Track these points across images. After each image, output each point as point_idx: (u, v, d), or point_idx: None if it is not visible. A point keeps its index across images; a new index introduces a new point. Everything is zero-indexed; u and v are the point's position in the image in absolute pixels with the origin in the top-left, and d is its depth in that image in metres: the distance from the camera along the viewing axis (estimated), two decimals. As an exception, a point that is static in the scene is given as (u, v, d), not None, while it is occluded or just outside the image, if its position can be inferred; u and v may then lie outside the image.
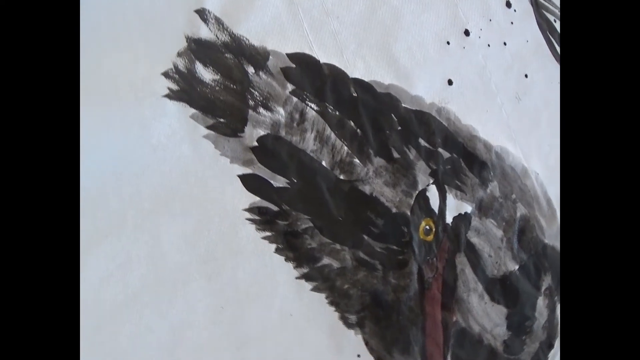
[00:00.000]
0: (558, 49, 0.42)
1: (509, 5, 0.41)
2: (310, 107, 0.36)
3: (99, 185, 0.33)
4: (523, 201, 0.40)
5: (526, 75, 0.41)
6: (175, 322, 0.34)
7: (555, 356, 0.42)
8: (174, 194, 0.34)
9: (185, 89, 0.35)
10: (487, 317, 0.40)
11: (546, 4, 0.42)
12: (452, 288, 0.39)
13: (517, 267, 0.40)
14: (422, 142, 0.38)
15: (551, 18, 0.42)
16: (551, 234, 0.41)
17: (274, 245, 0.36)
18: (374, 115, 0.37)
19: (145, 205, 0.33)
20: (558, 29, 0.42)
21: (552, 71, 0.42)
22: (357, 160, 0.37)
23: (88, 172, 0.33)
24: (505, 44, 0.41)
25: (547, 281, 0.41)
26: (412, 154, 0.38)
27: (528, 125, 0.41)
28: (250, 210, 0.36)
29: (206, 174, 0.35)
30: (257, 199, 0.36)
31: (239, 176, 0.35)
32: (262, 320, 0.35)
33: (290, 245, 0.36)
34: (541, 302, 0.41)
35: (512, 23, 0.41)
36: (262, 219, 0.35)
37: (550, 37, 0.42)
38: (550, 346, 0.41)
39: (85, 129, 0.32)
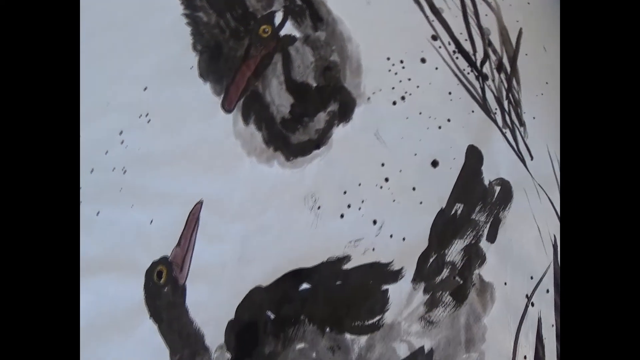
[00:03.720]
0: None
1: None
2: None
3: None
4: (339, 54, 0.76)
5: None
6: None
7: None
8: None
9: None
10: (278, 96, 0.73)
11: None
12: (264, 65, 0.74)
13: (315, 84, 0.75)
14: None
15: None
16: (350, 83, 0.75)
17: (188, 11, 0.77)
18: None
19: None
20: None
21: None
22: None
23: None
24: None
25: (334, 107, 0.74)
26: (279, -5, 0.78)
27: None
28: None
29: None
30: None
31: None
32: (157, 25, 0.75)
33: (194, 15, 0.77)
34: (322, 115, 0.73)
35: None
36: (187, 3, 0.78)
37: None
38: (317, 146, 0.72)
39: None
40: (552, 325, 0.66)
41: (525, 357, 0.64)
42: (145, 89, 0.72)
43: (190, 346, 0.64)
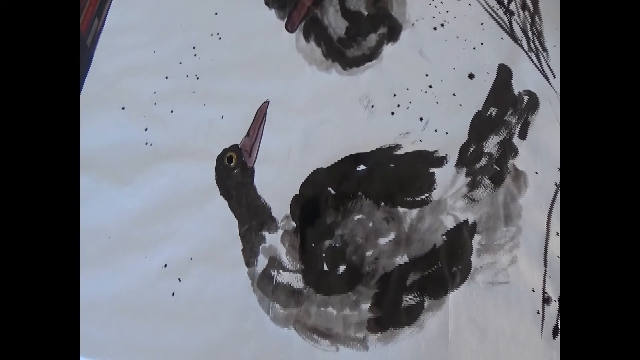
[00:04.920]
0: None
1: None
2: None
3: None
4: None
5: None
6: None
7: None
8: None
9: None
10: (334, 20, 0.88)
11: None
12: None
13: (366, 13, 0.91)
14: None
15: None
16: (397, 12, 0.91)
17: None
18: None
19: None
20: None
21: None
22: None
23: None
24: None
25: (383, 30, 0.89)
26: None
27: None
28: None
29: None
30: None
31: None
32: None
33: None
34: (373, 36, 0.88)
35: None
36: None
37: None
38: (370, 59, 0.87)
39: None
40: (580, 209, 0.78)
41: (557, 232, 0.76)
42: (216, 14, 0.87)
43: (258, 217, 0.76)
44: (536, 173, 0.78)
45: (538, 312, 0.71)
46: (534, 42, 0.86)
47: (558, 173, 0.78)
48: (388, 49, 0.85)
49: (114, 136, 0.80)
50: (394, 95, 0.82)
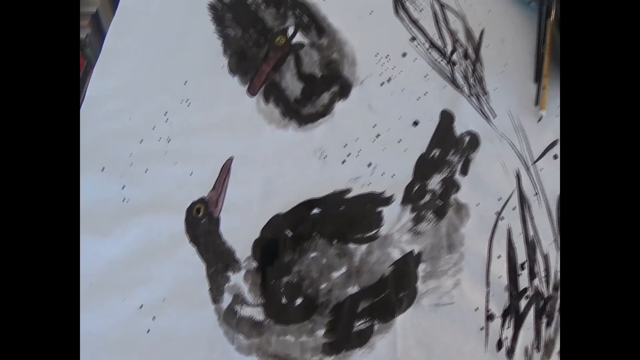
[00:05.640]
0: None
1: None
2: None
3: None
4: (339, 53, 1.04)
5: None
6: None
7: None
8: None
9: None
10: (291, 83, 1.01)
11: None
12: (279, 64, 1.04)
13: (320, 74, 1.04)
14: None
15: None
16: (348, 72, 1.03)
17: (219, 28, 1.10)
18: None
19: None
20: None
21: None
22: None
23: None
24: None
25: (335, 88, 1.00)
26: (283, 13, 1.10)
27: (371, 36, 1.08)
28: None
29: None
30: None
31: None
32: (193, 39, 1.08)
33: (224, 31, 1.10)
34: (326, 95, 0.99)
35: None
36: (218, 22, 1.12)
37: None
38: (323, 115, 1.00)
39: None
40: (520, 234, 0.86)
41: (499, 256, 0.85)
42: (186, 83, 1.01)
43: (223, 260, 0.87)
44: (477, 204, 0.87)
45: (482, 329, 0.79)
46: (474, 87, 0.97)
47: (498, 202, 0.86)
48: (339, 106, 0.96)
49: (95, 194, 0.94)
50: (345, 145, 0.93)
